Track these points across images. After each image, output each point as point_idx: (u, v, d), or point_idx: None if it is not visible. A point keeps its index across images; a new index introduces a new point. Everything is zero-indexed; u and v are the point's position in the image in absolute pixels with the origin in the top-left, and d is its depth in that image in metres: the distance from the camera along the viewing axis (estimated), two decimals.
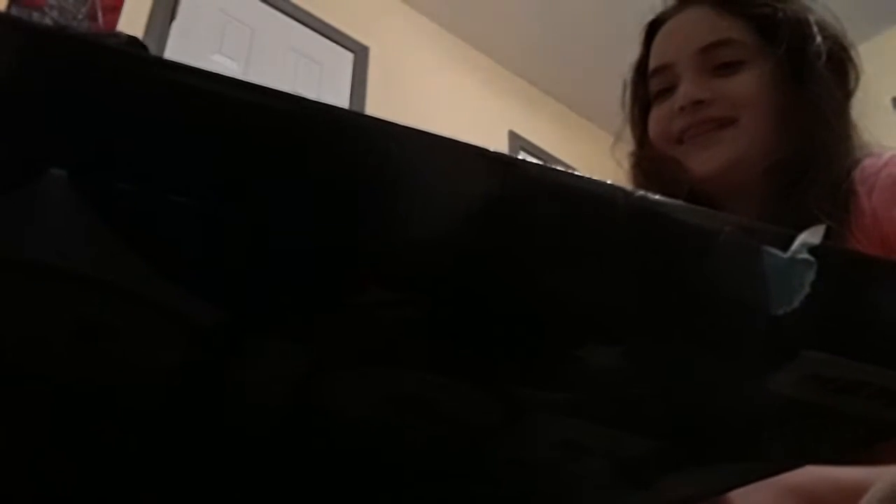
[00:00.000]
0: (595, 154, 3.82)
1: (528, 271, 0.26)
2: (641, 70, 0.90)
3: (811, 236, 0.25)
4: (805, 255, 0.25)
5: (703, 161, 0.79)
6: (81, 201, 0.22)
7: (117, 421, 0.32)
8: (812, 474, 0.39)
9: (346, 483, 0.38)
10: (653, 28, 0.89)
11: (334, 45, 3.21)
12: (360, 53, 3.23)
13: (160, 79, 0.22)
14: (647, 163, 0.87)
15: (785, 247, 0.25)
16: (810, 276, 0.24)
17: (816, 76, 0.77)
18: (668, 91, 0.83)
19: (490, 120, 3.55)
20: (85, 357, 0.29)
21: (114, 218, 0.22)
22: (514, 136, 3.60)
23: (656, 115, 0.85)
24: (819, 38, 0.78)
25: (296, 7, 3.14)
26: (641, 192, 0.25)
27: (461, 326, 0.28)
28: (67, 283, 0.25)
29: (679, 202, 0.25)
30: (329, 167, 0.24)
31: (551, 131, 3.77)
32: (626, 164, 0.92)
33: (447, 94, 3.47)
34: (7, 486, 0.36)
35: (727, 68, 0.79)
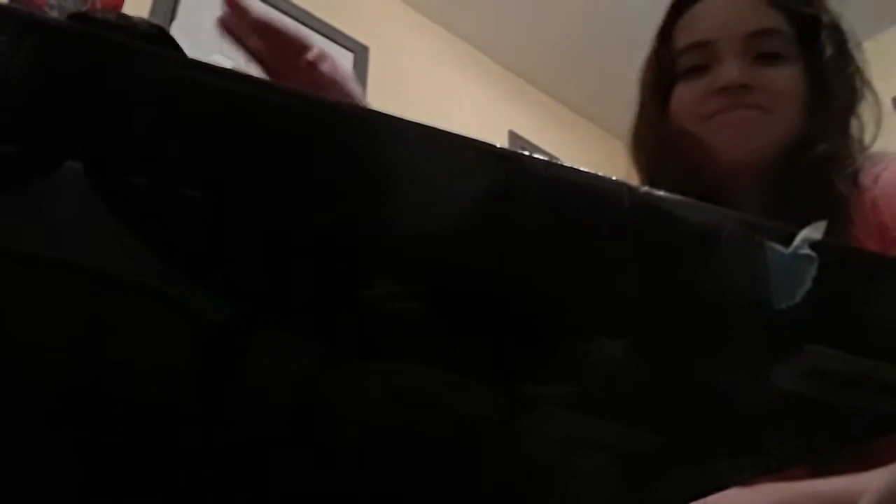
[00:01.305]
0: (595, 154, 3.82)
1: (532, 265, 0.26)
2: (666, 42, 0.88)
3: (813, 232, 0.25)
4: (807, 251, 0.25)
5: (736, 143, 0.79)
6: (95, 196, 0.22)
7: (126, 416, 0.32)
8: (793, 488, 0.39)
9: (353, 479, 0.38)
10: (683, 1, 0.87)
11: (334, 45, 3.20)
12: (360, 53, 3.23)
13: (174, 74, 0.22)
14: (667, 139, 0.85)
15: (787, 242, 0.25)
16: (812, 271, 0.25)
17: (845, 81, 0.80)
18: (699, 69, 0.82)
19: (490, 120, 3.55)
20: (95, 352, 0.29)
21: (126, 212, 0.23)
22: (514, 136, 3.60)
23: (687, 91, 0.83)
24: (851, 44, 0.81)
25: (296, 7, 3.13)
26: (646, 188, 0.25)
27: (466, 320, 0.28)
28: (78, 277, 0.26)
29: (683, 198, 0.25)
30: (335, 162, 0.24)
31: (551, 131, 3.77)
32: (633, 138, 0.90)
33: (447, 94, 3.46)
34: (12, 483, 0.36)
35: (769, 59, 0.79)
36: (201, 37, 2.94)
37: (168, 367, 0.30)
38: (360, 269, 0.26)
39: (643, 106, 0.91)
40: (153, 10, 2.75)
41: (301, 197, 0.24)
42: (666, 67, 0.87)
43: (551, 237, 0.26)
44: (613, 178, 0.25)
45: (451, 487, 0.40)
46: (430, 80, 3.44)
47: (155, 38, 0.29)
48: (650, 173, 0.89)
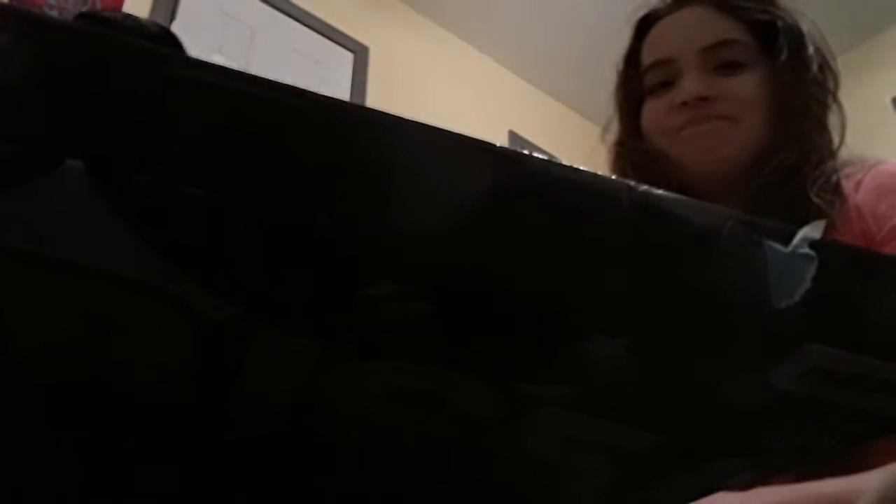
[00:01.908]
0: (595, 154, 3.81)
1: (532, 265, 0.26)
2: (634, 62, 0.91)
3: (812, 231, 0.25)
4: (806, 250, 0.25)
5: (701, 156, 0.82)
6: (96, 194, 0.22)
7: (126, 415, 0.32)
8: (790, 490, 0.39)
9: (353, 479, 0.38)
10: (646, 22, 0.91)
11: (334, 45, 3.20)
12: (360, 53, 3.23)
13: (176, 74, 0.22)
14: (638, 155, 0.88)
15: (786, 242, 0.25)
16: (811, 270, 0.25)
17: (811, 82, 0.81)
18: (665, 85, 0.85)
19: (490, 120, 3.55)
20: (95, 350, 0.29)
21: (128, 211, 0.23)
22: (514, 136, 3.60)
23: (653, 108, 0.86)
24: (812, 48, 0.82)
25: (296, 7, 3.13)
26: (645, 188, 0.25)
27: (467, 320, 0.28)
28: (78, 276, 0.26)
29: (682, 197, 0.26)
30: (336, 161, 0.24)
31: (551, 131, 3.77)
32: (611, 154, 0.93)
33: (447, 94, 3.46)
34: (12, 482, 0.36)
35: (729, 68, 0.82)
36: (201, 36, 2.94)
37: (169, 366, 0.30)
38: (361, 269, 0.26)
39: (617, 122, 0.95)
40: (153, 10, 2.75)
41: (302, 196, 0.24)
42: (634, 86, 0.91)
43: (551, 236, 0.26)
44: (613, 177, 0.25)
45: (452, 487, 0.40)
46: (431, 80, 3.44)
47: (160, 39, 0.29)
48: None
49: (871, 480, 0.33)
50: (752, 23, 0.83)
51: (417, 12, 3.54)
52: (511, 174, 0.25)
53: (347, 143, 0.24)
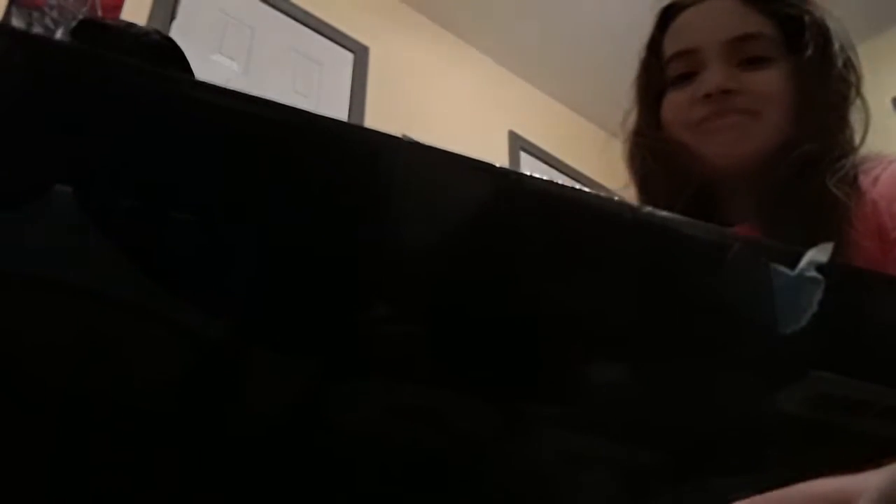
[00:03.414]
0: (595, 154, 3.81)
1: (533, 287, 0.26)
2: (656, 51, 0.89)
3: (819, 254, 0.24)
4: (813, 273, 0.24)
5: (723, 150, 0.81)
6: (85, 217, 0.22)
7: (122, 433, 0.32)
8: (788, 491, 0.39)
9: (350, 495, 0.37)
10: (670, 11, 0.89)
11: (334, 45, 3.20)
12: (360, 53, 3.23)
13: (164, 92, 0.22)
14: (658, 146, 0.87)
15: (793, 264, 0.25)
16: (818, 294, 0.24)
17: (836, 78, 0.80)
18: (687, 77, 0.84)
19: (490, 120, 3.55)
20: (90, 369, 0.29)
21: (117, 234, 0.22)
22: (514, 136, 3.60)
23: (675, 99, 0.85)
24: (837, 44, 0.81)
25: (296, 7, 3.13)
26: (649, 209, 0.25)
27: (465, 341, 0.28)
28: (72, 296, 0.25)
29: (687, 218, 0.25)
30: (333, 183, 0.24)
31: (551, 131, 3.76)
32: (628, 144, 0.91)
33: (447, 94, 3.46)
34: (12, 497, 0.36)
35: (754, 62, 0.80)
36: (201, 37, 2.94)
37: (161, 385, 0.29)
38: (359, 290, 0.26)
39: (636, 112, 0.92)
40: (153, 10, 2.74)
41: (297, 219, 0.24)
42: (655, 76, 0.89)
43: (553, 258, 0.25)
44: (616, 198, 0.25)
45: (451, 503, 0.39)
46: (430, 79, 3.43)
47: (162, 49, 0.28)
48: (643, 178, 0.90)
49: (870, 479, 0.33)
50: (779, 16, 0.81)
51: (417, 12, 3.53)
52: (510, 194, 0.25)
53: (343, 164, 0.24)
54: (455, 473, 0.38)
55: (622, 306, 0.26)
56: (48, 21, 2.42)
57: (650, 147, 0.88)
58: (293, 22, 3.13)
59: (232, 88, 0.23)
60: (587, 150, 3.77)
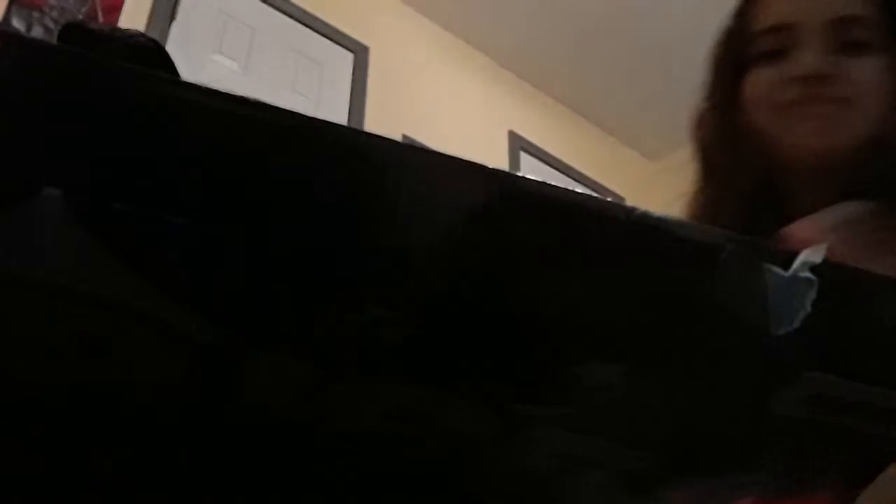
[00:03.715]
0: (595, 154, 3.81)
1: (528, 288, 0.26)
2: (743, 21, 0.80)
3: (813, 255, 0.24)
4: (807, 274, 0.24)
5: (810, 140, 0.73)
6: (77, 220, 0.21)
7: (118, 437, 0.32)
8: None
9: (348, 498, 0.37)
10: None
11: (334, 45, 3.20)
12: (360, 53, 3.23)
13: (156, 95, 0.22)
14: (728, 126, 0.80)
15: (786, 265, 0.25)
16: (812, 295, 0.24)
17: None
18: (777, 54, 0.76)
19: (490, 120, 3.55)
20: (85, 373, 0.29)
21: (110, 237, 0.22)
22: (514, 136, 3.59)
23: (764, 76, 0.77)
24: None
25: (296, 7, 3.13)
26: (642, 210, 0.25)
27: (460, 343, 0.28)
28: (66, 300, 0.25)
29: (681, 219, 0.25)
30: (328, 185, 0.24)
31: (551, 131, 3.76)
32: (693, 120, 0.84)
33: (447, 94, 3.46)
34: (11, 497, 0.36)
35: (854, 48, 0.73)
36: (201, 37, 2.94)
37: (157, 389, 0.29)
38: (352, 293, 0.26)
39: (710, 86, 0.84)
40: (153, 10, 2.74)
41: (291, 220, 0.24)
42: (739, 49, 0.80)
43: (547, 259, 0.25)
44: (609, 199, 0.25)
45: None
46: (431, 80, 3.43)
47: (147, 52, 0.28)
48: (707, 156, 0.84)
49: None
50: (885, 2, 0.74)
51: (418, 12, 3.53)
52: (505, 196, 0.25)
53: (340, 168, 0.24)
54: (452, 475, 0.38)
55: (615, 307, 0.26)
56: (48, 21, 2.42)
57: (722, 123, 0.81)
58: (293, 22, 3.14)
59: (222, 90, 0.23)
60: (587, 150, 3.77)
